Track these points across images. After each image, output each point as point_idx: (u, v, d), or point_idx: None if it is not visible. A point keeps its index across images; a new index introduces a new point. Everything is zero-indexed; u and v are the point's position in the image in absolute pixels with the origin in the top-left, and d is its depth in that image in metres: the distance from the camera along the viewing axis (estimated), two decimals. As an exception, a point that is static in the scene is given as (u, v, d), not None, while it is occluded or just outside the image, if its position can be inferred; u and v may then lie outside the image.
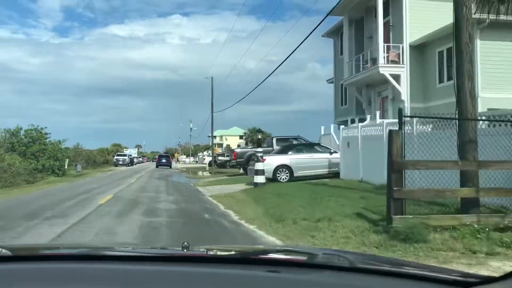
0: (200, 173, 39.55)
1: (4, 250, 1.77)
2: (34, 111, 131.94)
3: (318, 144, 18.81)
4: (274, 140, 25.41)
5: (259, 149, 15.24)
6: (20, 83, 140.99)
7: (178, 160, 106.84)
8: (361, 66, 23.51)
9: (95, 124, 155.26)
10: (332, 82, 30.15)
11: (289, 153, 17.39)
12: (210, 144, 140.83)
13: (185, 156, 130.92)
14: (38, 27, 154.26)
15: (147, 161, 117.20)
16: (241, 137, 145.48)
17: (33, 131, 34.90)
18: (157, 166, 61.99)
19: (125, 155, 64.73)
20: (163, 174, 36.12)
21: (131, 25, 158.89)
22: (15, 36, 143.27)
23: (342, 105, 27.58)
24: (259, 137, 20.80)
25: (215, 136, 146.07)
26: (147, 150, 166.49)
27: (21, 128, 34.29)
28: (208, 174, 36.04)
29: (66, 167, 41.54)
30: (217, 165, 49.74)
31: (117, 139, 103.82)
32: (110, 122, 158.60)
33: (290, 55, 23.16)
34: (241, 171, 31.81)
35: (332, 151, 17.52)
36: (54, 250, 2.38)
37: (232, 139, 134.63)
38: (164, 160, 63.97)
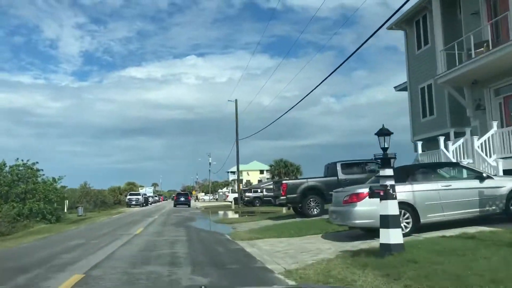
0: (225, 213, 31.70)
1: None
2: (53, 153, 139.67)
3: (457, 164, 10.83)
4: (339, 166, 17.71)
5: (387, 172, 7.24)
6: (41, 126, 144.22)
7: (197, 198, 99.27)
8: (464, 55, 16.00)
9: (114, 164, 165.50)
10: (403, 89, 22.57)
11: (408, 180, 9.51)
12: (231, 179, 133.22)
13: (203, 194, 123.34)
14: (58, 72, 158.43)
15: (164, 200, 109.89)
16: (261, 171, 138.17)
17: (21, 167, 27.80)
18: (175, 205, 55.05)
19: (138, 194, 57.47)
20: (182, 217, 28.41)
21: (148, 67, 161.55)
22: (36, 82, 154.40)
23: (425, 116, 19.80)
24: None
25: (233, 172, 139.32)
26: (164, 188, 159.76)
27: (4, 164, 27.21)
28: (237, 216, 28.17)
29: (65, 210, 34.25)
30: (244, 203, 42.01)
31: (135, 179, 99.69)
32: (128, 162, 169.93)
33: (326, 77, 15.88)
34: (286, 211, 23.94)
35: (484, 175, 9.70)
36: None
37: (252, 174, 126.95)
38: (182, 199, 56.88)
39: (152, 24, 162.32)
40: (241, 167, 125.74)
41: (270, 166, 62.29)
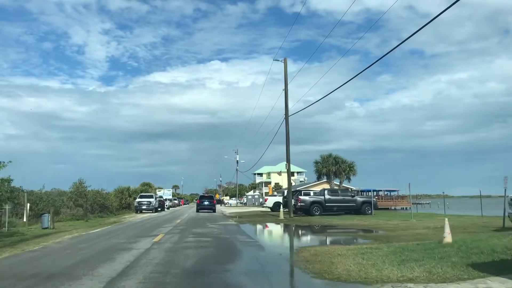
0: (291, 232, 18.67)
1: None
2: (80, 157, 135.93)
3: None
4: None
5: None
6: (68, 130, 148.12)
7: (222, 203, 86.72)
8: None
9: (139, 168, 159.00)
10: None
11: None
12: (258, 182, 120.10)
13: (228, 198, 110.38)
14: (85, 77, 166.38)
15: (185, 204, 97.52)
16: (292, 174, 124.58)
17: None
18: (198, 210, 44.46)
19: (151, 196, 44.88)
20: (209, 236, 15.22)
21: (173, 72, 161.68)
22: (64, 86, 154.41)
23: None
24: None
25: (260, 174, 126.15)
26: (186, 191, 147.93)
27: None
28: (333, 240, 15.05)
29: (25, 219, 21.70)
30: (300, 211, 28.55)
31: (158, 182, 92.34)
32: (152, 166, 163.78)
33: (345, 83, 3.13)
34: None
35: None
36: None
37: (280, 176, 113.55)
38: (206, 202, 45.01)
39: (177, 30, 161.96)
40: (269, 168, 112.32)
41: (316, 163, 48.88)
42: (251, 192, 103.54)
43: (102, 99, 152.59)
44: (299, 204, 27.47)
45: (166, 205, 57.61)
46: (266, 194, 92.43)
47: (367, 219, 23.24)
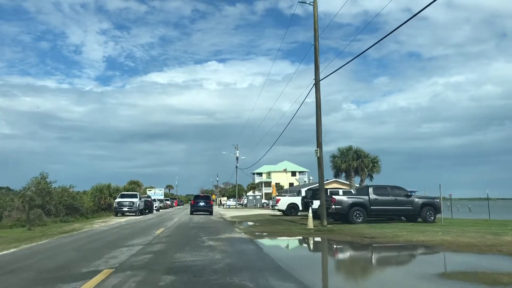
0: (319, 246, 10.15)
1: None
2: (76, 157, 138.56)
3: None
4: None
5: None
6: (65, 130, 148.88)
7: (221, 204, 78.30)
8: None
9: (135, 168, 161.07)
10: None
11: None
12: (257, 182, 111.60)
13: (225, 198, 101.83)
14: (82, 76, 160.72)
15: (179, 205, 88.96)
16: (293, 173, 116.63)
17: None
18: (192, 212, 37.27)
19: (134, 195, 36.49)
20: (206, 268, 6.97)
21: (170, 72, 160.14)
22: (61, 86, 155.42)
23: None
24: None
25: (260, 174, 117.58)
26: (182, 192, 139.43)
27: None
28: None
29: None
30: (335, 217, 20.20)
31: (155, 183, 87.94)
32: (149, 167, 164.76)
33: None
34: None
35: None
36: None
37: (281, 176, 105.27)
38: (202, 203, 38.18)
39: (175, 30, 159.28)
40: (269, 168, 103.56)
41: (334, 157, 40.58)
42: (250, 193, 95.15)
43: (99, 99, 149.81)
44: (333, 206, 19.13)
45: (155, 207, 49.18)
46: (268, 195, 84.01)
47: (445, 231, 15.01)
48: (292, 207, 28.53)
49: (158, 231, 15.99)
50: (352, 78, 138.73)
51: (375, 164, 39.80)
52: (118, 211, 34.48)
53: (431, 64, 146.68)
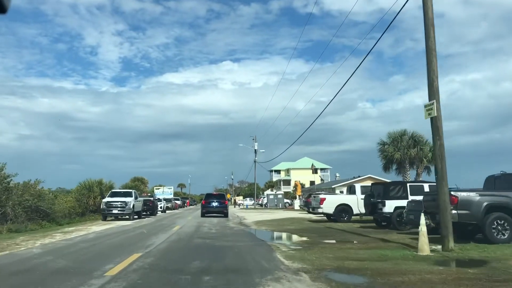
0: None
1: None
2: (92, 157, 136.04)
3: None
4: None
5: None
6: (81, 131, 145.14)
7: (236, 204, 69.79)
8: None
9: (150, 168, 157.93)
10: None
11: None
12: (275, 180, 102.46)
13: (241, 198, 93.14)
14: (98, 77, 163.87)
15: (191, 205, 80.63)
16: (314, 171, 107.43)
17: None
18: (203, 214, 30.13)
19: (128, 194, 28.06)
20: None
21: (185, 72, 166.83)
22: (77, 87, 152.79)
23: None
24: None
25: (277, 171, 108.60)
26: (196, 191, 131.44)
27: None
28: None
29: None
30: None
31: (170, 183, 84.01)
32: (164, 166, 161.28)
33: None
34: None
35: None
36: None
37: (301, 174, 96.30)
38: (215, 204, 30.62)
39: (190, 31, 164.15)
40: (288, 165, 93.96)
41: (383, 145, 31.51)
42: (269, 191, 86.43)
43: (114, 99, 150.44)
44: (453, 212, 10.22)
45: (161, 207, 40.79)
46: (287, 194, 75.09)
47: None
48: (342, 209, 19.70)
49: (113, 270, 7.28)
50: (367, 77, 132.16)
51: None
52: (107, 214, 26.13)
53: (447, 61, 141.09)
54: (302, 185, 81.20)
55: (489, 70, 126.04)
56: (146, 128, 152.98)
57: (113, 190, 28.95)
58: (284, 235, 15.07)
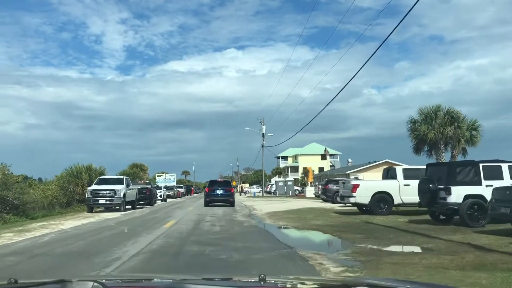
0: None
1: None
2: (99, 146, 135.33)
3: None
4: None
5: None
6: (86, 119, 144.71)
7: (242, 191, 65.80)
8: None
9: (155, 156, 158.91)
10: None
11: None
12: (283, 166, 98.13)
13: (247, 185, 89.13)
14: (102, 66, 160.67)
15: (196, 193, 76.83)
16: (323, 157, 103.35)
17: None
18: (207, 203, 26.65)
19: (118, 181, 23.93)
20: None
21: (189, 60, 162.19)
22: (82, 76, 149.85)
23: None
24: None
25: (285, 157, 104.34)
26: (201, 179, 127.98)
27: None
28: None
29: None
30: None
31: (174, 170, 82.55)
32: (169, 154, 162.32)
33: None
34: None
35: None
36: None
37: (310, 160, 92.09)
38: (220, 191, 27.18)
39: (194, 18, 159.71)
40: (296, 151, 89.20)
41: (413, 122, 27.06)
42: (276, 178, 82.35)
43: (119, 88, 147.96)
44: None
45: (161, 196, 36.81)
46: (297, 181, 70.83)
47: None
48: (381, 199, 15.47)
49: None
50: (372, 63, 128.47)
51: (475, 132, 26.31)
52: (93, 205, 22.15)
53: (454, 47, 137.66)
54: (308, 172, 77.16)
55: (496, 55, 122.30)
56: (151, 116, 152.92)
57: (101, 177, 24.85)
58: (316, 236, 10.94)
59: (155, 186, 35.48)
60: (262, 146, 51.21)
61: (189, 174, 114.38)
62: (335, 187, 26.81)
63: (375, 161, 52.38)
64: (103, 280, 1.89)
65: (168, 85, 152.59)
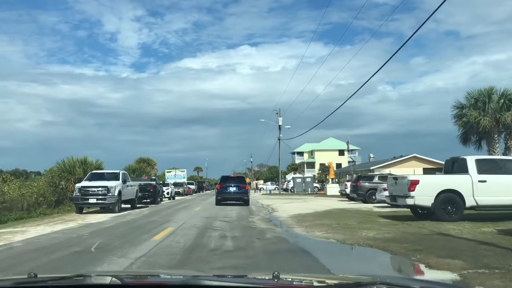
0: None
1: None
2: (114, 142, 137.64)
3: None
4: None
5: None
6: (102, 117, 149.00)
7: (257, 188, 62.05)
8: None
9: (170, 153, 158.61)
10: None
11: None
12: (298, 162, 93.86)
13: (262, 182, 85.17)
14: (117, 64, 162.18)
15: (207, 190, 73.32)
16: (340, 152, 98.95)
17: None
18: (218, 202, 23.43)
19: (113, 176, 20.19)
20: None
21: (203, 57, 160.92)
22: (98, 74, 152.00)
23: None
24: None
25: (300, 153, 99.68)
26: (214, 176, 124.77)
27: None
28: None
29: None
30: None
31: (187, 167, 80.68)
32: (183, 151, 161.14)
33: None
34: None
35: None
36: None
37: (327, 156, 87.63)
38: (233, 189, 23.79)
39: (208, 15, 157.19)
40: (312, 146, 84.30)
41: (461, 107, 22.75)
42: (292, 174, 78.27)
43: (134, 85, 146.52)
44: None
45: (168, 193, 33.16)
46: (315, 177, 66.52)
47: None
48: (448, 200, 11.43)
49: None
50: (387, 59, 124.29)
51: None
52: (82, 204, 18.51)
53: (470, 42, 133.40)
54: (328, 168, 72.94)
55: None
56: (165, 113, 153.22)
57: (93, 171, 21.18)
58: (385, 260, 6.97)
59: (160, 182, 31.76)
60: (279, 139, 47.16)
61: (202, 170, 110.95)
62: (367, 183, 22.84)
63: (401, 156, 48.00)
64: (122, 275, 1.98)
65: (182, 82, 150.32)
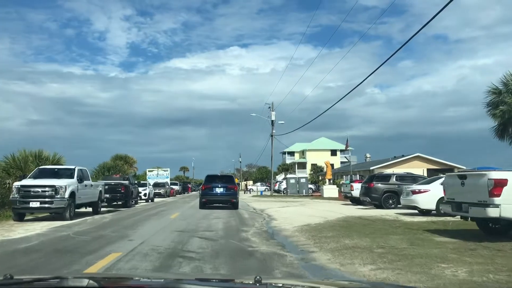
0: None
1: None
2: (102, 142, 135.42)
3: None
4: None
5: None
6: (90, 116, 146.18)
7: (247, 189, 57.66)
8: None
9: (158, 153, 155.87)
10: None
11: None
12: (289, 162, 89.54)
13: (251, 183, 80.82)
14: (106, 63, 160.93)
15: (193, 191, 68.83)
16: (333, 152, 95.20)
17: None
18: (202, 205, 19.65)
19: (67, 173, 16.11)
20: None
21: (193, 58, 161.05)
22: (86, 73, 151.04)
23: None
24: None
25: (291, 153, 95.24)
26: (201, 176, 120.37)
27: None
28: None
29: None
30: None
31: (174, 168, 76.51)
32: (172, 152, 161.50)
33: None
34: None
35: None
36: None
37: (319, 156, 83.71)
38: (220, 190, 19.80)
39: (197, 16, 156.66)
40: (304, 146, 79.30)
41: (494, 92, 18.79)
42: (282, 175, 74.12)
43: (123, 85, 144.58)
44: None
45: (145, 195, 28.78)
46: (313, 178, 62.37)
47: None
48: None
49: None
50: (376, 62, 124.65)
51: None
52: (21, 210, 14.08)
53: (458, 46, 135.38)
54: (321, 169, 69.06)
55: (500, 54, 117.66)
56: (154, 113, 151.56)
57: (41, 167, 16.77)
58: None
59: (136, 182, 27.34)
60: (271, 135, 42.91)
61: (188, 170, 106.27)
62: (382, 185, 18.77)
63: (403, 155, 44.16)
64: (99, 278, 1.93)
65: (171, 82, 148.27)
